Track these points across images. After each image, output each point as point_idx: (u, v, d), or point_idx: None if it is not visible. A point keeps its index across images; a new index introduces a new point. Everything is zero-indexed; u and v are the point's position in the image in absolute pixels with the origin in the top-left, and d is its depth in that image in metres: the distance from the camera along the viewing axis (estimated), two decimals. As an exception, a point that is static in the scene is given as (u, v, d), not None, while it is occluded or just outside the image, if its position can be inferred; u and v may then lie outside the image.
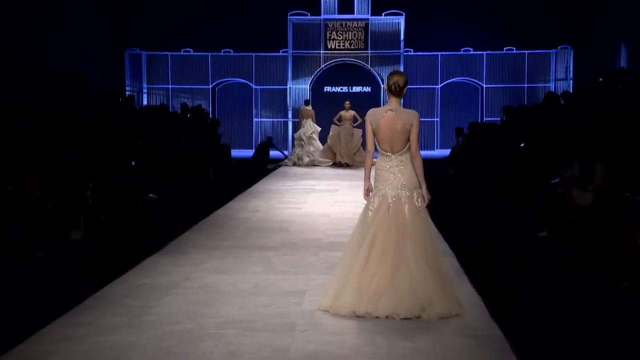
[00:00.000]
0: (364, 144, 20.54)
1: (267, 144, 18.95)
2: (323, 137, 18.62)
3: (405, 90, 5.19)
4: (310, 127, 18.68)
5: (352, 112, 17.73)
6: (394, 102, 5.17)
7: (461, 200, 11.10)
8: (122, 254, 7.00)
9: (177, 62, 22.10)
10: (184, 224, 8.65)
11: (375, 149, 5.25)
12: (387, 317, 4.82)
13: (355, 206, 10.41)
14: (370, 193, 5.20)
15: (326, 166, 17.58)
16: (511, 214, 9.47)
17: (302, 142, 18.74)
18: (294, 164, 18.27)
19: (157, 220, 9.26)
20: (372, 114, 5.22)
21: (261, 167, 16.98)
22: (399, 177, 5.12)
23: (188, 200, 11.18)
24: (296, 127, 20.08)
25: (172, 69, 22.07)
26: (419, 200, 5.10)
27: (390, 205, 5.07)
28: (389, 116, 5.13)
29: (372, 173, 5.30)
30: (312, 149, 18.37)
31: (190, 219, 9.08)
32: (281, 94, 22.15)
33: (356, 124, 17.66)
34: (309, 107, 19.09)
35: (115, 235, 8.03)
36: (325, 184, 13.81)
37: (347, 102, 18.08)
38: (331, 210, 10.11)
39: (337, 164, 17.51)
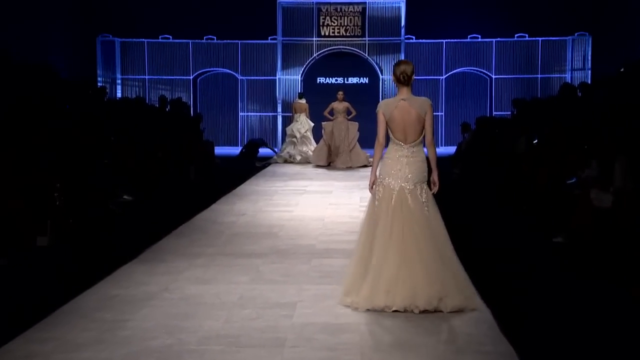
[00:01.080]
0: (369, 140, 20.81)
1: (258, 142, 18.96)
2: (316, 136, 18.61)
3: (413, 78, 5.64)
4: (305, 124, 18.71)
5: (345, 104, 17.26)
6: (404, 92, 5.65)
7: (467, 203, 11.11)
8: (93, 262, 6.98)
9: (155, 50, 22.07)
10: (163, 229, 8.64)
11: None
12: (405, 309, 5.22)
13: (351, 209, 10.46)
14: (375, 185, 5.64)
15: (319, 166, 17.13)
16: (523, 218, 9.49)
17: (295, 140, 18.75)
18: (285, 162, 18.30)
19: (132, 224, 9.24)
20: (384, 104, 5.70)
21: (248, 166, 16.97)
22: (405, 168, 5.55)
23: (167, 202, 11.17)
24: (288, 122, 20.11)
25: (149, 57, 22.04)
26: (422, 194, 5.51)
27: (393, 196, 5.50)
28: (402, 106, 5.61)
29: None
30: (305, 148, 18.38)
31: (169, 223, 9.07)
32: (270, 86, 22.15)
33: (350, 116, 17.19)
34: (303, 101, 19.11)
35: (85, 241, 8.00)
36: (318, 184, 13.81)
37: (341, 93, 17.54)
38: (325, 214, 10.11)
39: (331, 164, 16.85)
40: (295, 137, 18.68)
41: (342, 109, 17.25)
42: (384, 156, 5.71)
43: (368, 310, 5.29)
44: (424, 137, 5.66)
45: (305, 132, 18.68)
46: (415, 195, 5.50)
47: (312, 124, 18.59)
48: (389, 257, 5.31)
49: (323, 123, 17.43)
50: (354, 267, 5.55)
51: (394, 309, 5.23)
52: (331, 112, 17.39)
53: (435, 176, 5.63)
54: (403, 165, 5.57)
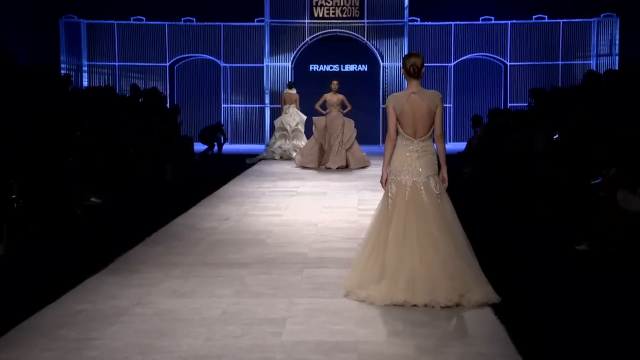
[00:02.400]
0: (368, 137, 20.90)
1: (216, 128, 18.91)
2: (307, 132, 18.63)
3: (423, 70, 6.23)
4: (295, 116, 18.75)
5: (340, 96, 16.74)
6: (414, 85, 6.21)
7: (479, 206, 11.13)
8: (56, 273, 6.97)
9: (126, 33, 22.07)
10: (135, 236, 8.64)
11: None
12: (425, 305, 5.74)
13: (348, 213, 10.47)
14: (387, 180, 6.20)
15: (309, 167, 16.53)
16: (542, 222, 9.51)
17: (286, 134, 18.82)
18: (281, 158, 18.35)
19: (100, 230, 9.23)
20: (394, 99, 6.23)
21: (233, 165, 16.97)
22: (416, 163, 6.13)
23: (140, 205, 11.16)
24: (277, 114, 20.16)
25: (120, 41, 22.03)
26: (437, 186, 6.10)
27: (407, 191, 6.08)
28: (414, 99, 6.17)
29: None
30: (298, 143, 18.44)
31: (142, 229, 9.06)
32: (256, 74, 22.18)
33: (345, 111, 16.78)
34: (293, 91, 19.17)
35: (47, 249, 7.98)
36: (311, 185, 13.82)
37: (335, 82, 16.93)
38: (318, 218, 10.13)
39: (323, 166, 16.35)
40: (286, 130, 18.73)
41: (337, 101, 16.70)
42: (394, 152, 6.22)
43: (386, 305, 5.80)
44: (432, 131, 6.19)
45: (296, 125, 18.73)
46: (429, 188, 6.09)
47: (304, 117, 18.57)
48: (406, 253, 5.89)
49: (314, 118, 17.09)
50: (366, 263, 6.11)
51: (412, 303, 5.77)
52: (324, 106, 16.83)
53: (444, 172, 6.18)
54: (413, 160, 6.13)
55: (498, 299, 5.89)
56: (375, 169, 14.61)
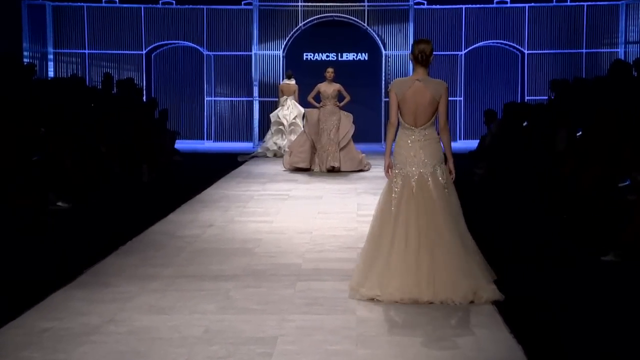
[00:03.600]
0: (368, 134, 20.81)
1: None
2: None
3: (431, 58, 6.67)
4: (294, 109, 18.84)
5: (336, 86, 16.23)
6: (420, 72, 6.67)
7: (493, 212, 11.14)
8: (18, 287, 6.95)
9: (97, 18, 22.06)
10: (107, 245, 8.62)
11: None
12: (441, 302, 6.25)
13: (347, 219, 10.48)
14: (391, 171, 6.66)
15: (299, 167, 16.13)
16: (564, 230, 9.53)
17: (282, 128, 18.92)
18: (275, 155, 18.39)
19: (68, 238, 9.21)
20: (397, 84, 6.72)
21: (218, 165, 16.97)
22: (420, 153, 6.58)
23: (112, 211, 11.15)
24: (271, 108, 20.23)
25: (90, 26, 22.02)
26: (443, 176, 6.55)
27: (414, 185, 6.53)
28: (417, 87, 6.61)
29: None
30: (294, 138, 18.50)
31: (115, 237, 9.05)
32: (244, 63, 22.18)
33: (343, 103, 16.33)
34: (292, 82, 19.27)
35: (8, 260, 7.96)
36: (304, 188, 13.83)
37: (330, 70, 16.39)
38: (313, 225, 10.13)
39: (313, 168, 16.03)
40: (283, 125, 18.82)
41: (332, 92, 16.18)
42: (395, 142, 6.70)
43: (396, 302, 6.28)
44: (435, 119, 6.67)
45: (294, 119, 18.81)
46: (435, 178, 6.55)
47: (303, 110, 18.54)
48: (416, 249, 6.36)
49: (306, 110, 16.94)
50: (372, 259, 6.53)
51: (429, 301, 6.26)
52: (318, 98, 16.38)
53: (450, 164, 6.65)
54: (417, 151, 6.59)
55: (502, 296, 6.35)
56: (376, 171, 14.61)
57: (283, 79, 20.09)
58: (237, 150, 19.61)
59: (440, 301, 6.27)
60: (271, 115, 19.46)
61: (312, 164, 16.13)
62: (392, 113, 6.72)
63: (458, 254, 6.37)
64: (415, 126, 6.62)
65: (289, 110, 18.93)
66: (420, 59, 6.64)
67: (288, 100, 19.08)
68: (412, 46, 6.78)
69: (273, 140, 19.02)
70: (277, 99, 20.02)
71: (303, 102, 18.72)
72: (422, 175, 6.55)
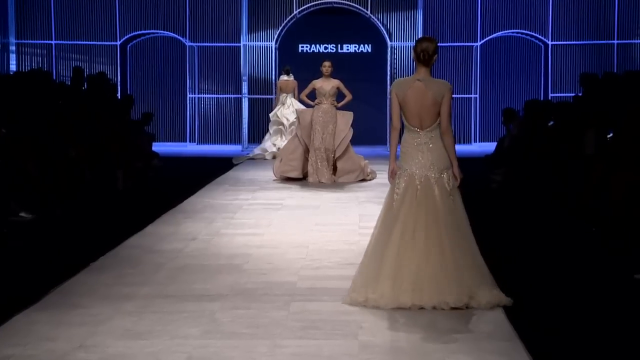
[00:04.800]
0: (371, 134, 20.76)
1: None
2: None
3: (435, 58, 7.10)
4: (293, 107, 18.92)
5: (334, 82, 15.53)
6: (422, 72, 7.09)
7: (513, 224, 11.12)
8: (-24, 308, 6.92)
9: (66, 5, 22.04)
10: (76, 260, 8.58)
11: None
12: (434, 307, 6.66)
13: (348, 232, 10.46)
14: (395, 175, 7.08)
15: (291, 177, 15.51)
16: (594, 246, 9.50)
17: (282, 128, 19.06)
18: (273, 157, 18.44)
19: (32, 253, 9.17)
20: (398, 84, 7.14)
21: (202, 170, 16.94)
22: (427, 155, 7.01)
23: (83, 222, 11.13)
24: (258, 106, 20.28)
25: (58, 15, 22.02)
26: (449, 182, 6.97)
27: (419, 187, 6.96)
28: (418, 87, 7.03)
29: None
30: None
31: (86, 252, 9.00)
32: (231, 56, 22.18)
33: (341, 104, 15.63)
34: (290, 78, 19.37)
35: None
36: (300, 196, 13.82)
37: (327, 63, 15.68)
38: (309, 238, 10.11)
39: (308, 177, 15.37)
40: (283, 124, 18.94)
41: (330, 90, 15.46)
42: (401, 145, 7.14)
43: (393, 309, 6.66)
44: None
45: (296, 118, 18.88)
46: (441, 184, 6.97)
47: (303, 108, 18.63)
48: (413, 253, 6.78)
49: (298, 110, 16.57)
50: (368, 264, 6.99)
51: (420, 305, 6.69)
52: (312, 95, 15.81)
53: (455, 169, 7.03)
54: (424, 153, 7.01)
55: (510, 301, 6.83)
56: (382, 177, 14.58)
57: (280, 75, 20.13)
58: (224, 154, 19.57)
59: (431, 306, 6.68)
60: (270, 114, 19.58)
61: (306, 173, 15.47)
62: (394, 116, 7.14)
63: (454, 260, 6.78)
64: (421, 129, 7.04)
65: (290, 109, 19.01)
66: (422, 58, 7.06)
67: (288, 98, 19.17)
68: (414, 45, 7.19)
69: (272, 141, 19.15)
70: (273, 97, 20.07)
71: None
72: (429, 179, 6.97)
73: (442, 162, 7.02)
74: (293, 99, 19.20)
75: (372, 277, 6.91)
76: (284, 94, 19.39)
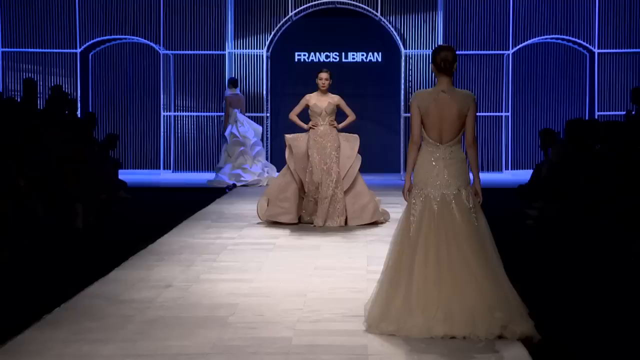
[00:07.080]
0: (383, 159, 20.63)
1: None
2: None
3: (455, 66, 7.79)
4: (249, 125, 19.35)
5: (333, 99, 14.75)
6: (445, 82, 7.77)
7: (553, 266, 11.14)
8: None
9: (15, 7, 22.13)
10: (26, 313, 8.60)
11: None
12: (464, 337, 7.29)
13: (354, 277, 10.48)
14: (410, 193, 7.77)
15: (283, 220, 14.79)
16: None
17: (246, 150, 19.36)
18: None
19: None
20: (420, 97, 7.80)
21: (179, 200, 16.98)
22: (443, 172, 7.68)
23: (34, 266, 11.14)
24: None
25: (5, 18, 22.11)
26: (469, 199, 7.63)
27: (436, 209, 7.61)
28: (443, 99, 7.72)
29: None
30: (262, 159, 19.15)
31: (37, 302, 9.02)
32: (215, 66, 22.26)
33: (343, 124, 14.91)
34: (237, 90, 19.72)
35: None
36: (296, 235, 13.80)
37: (324, 75, 14.70)
38: (308, 285, 10.13)
39: (303, 220, 14.85)
40: (245, 144, 19.37)
41: (327, 108, 14.68)
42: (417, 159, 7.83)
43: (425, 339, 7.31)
44: (462, 135, 7.76)
45: (254, 137, 19.44)
46: (460, 202, 7.65)
47: (260, 128, 19.09)
48: (442, 281, 7.41)
49: (287, 137, 15.05)
50: (389, 292, 7.63)
51: (451, 335, 7.34)
52: (306, 116, 14.92)
53: (477, 185, 7.76)
54: (441, 170, 7.71)
55: (539, 336, 7.34)
56: (395, 214, 14.59)
57: (229, 88, 20.34)
58: (204, 184, 19.60)
59: (462, 336, 7.30)
60: (226, 133, 19.65)
61: (299, 215, 14.91)
62: (414, 129, 7.79)
63: (483, 287, 7.39)
64: (440, 142, 7.75)
65: (246, 127, 19.39)
66: (444, 67, 7.75)
67: (238, 114, 19.50)
68: (432, 55, 7.83)
69: (247, 166, 19.48)
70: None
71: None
72: (445, 198, 7.65)
73: (459, 179, 7.71)
74: (244, 116, 19.84)
75: (400, 308, 7.50)
76: (234, 110, 19.74)
